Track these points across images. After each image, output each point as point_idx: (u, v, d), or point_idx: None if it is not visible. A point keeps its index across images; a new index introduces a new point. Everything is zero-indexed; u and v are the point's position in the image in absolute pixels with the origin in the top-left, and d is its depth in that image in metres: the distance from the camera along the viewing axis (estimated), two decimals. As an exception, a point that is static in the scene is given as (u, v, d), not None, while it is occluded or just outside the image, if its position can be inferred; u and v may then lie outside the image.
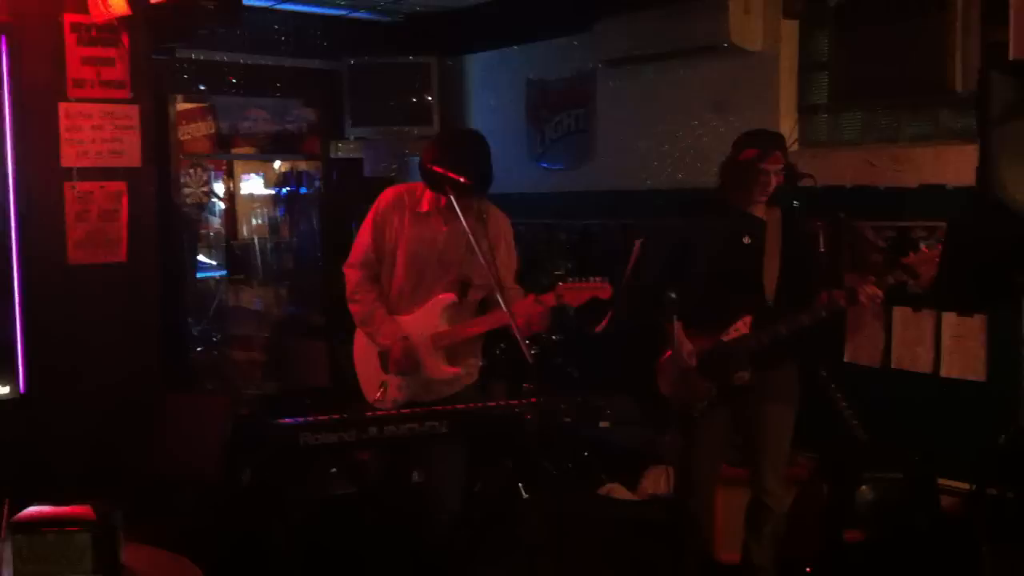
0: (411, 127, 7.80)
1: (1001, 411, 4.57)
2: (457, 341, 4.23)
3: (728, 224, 4.23)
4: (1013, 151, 4.00)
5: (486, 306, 4.26)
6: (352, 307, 4.26)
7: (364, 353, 4.29)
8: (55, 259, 4.75)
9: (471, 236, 3.85)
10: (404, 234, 4.18)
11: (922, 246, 4.16)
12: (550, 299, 4.05)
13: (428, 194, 4.15)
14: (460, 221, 3.88)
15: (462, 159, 3.96)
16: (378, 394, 4.16)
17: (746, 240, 4.20)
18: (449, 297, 4.21)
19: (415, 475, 4.58)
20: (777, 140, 4.27)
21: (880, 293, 4.09)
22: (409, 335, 4.17)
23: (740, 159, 4.18)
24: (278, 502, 4.94)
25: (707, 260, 4.21)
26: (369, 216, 4.24)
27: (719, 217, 4.26)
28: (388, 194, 4.27)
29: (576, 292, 4.08)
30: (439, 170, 3.94)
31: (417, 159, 6.06)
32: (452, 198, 3.88)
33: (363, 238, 4.25)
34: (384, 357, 4.20)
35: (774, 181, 4.15)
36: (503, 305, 3.68)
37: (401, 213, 4.20)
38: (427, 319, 4.21)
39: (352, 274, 4.27)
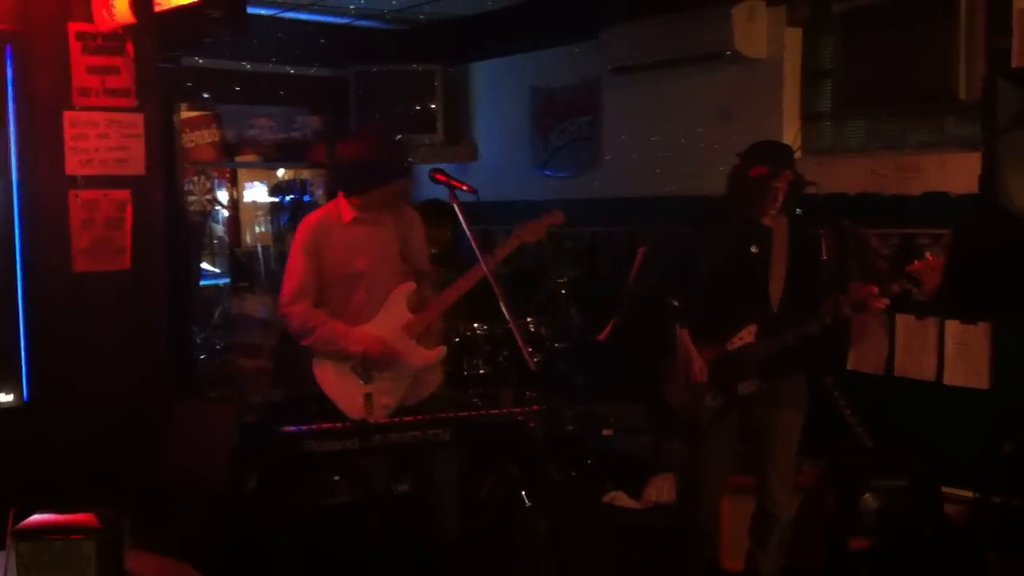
0: (416, 135, 7.81)
1: (1005, 419, 4.57)
2: (430, 322, 4.29)
3: (735, 233, 4.23)
4: (1018, 159, 4.00)
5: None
6: (309, 339, 4.22)
7: (336, 377, 4.24)
8: (60, 267, 4.75)
9: (399, 231, 4.22)
10: (336, 253, 4.21)
11: (927, 254, 4.15)
12: (513, 241, 4.27)
13: (344, 205, 4.24)
14: (383, 221, 4.21)
15: (398, 153, 4.28)
16: (365, 409, 4.12)
17: (753, 249, 4.20)
18: (409, 286, 4.28)
19: (406, 485, 4.59)
20: (786, 155, 4.25)
21: (885, 302, 4.09)
22: (380, 335, 4.19)
23: (751, 175, 4.17)
24: (283, 509, 4.94)
25: (714, 269, 4.21)
26: (297, 249, 4.25)
27: (726, 226, 4.25)
28: (309, 222, 4.31)
29: (532, 227, 4.30)
30: (441, 177, 3.99)
31: (420, 167, 6.10)
32: (384, 203, 4.18)
33: (296, 272, 4.24)
34: (360, 369, 4.16)
35: (783, 196, 4.16)
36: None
37: (330, 233, 4.24)
38: (393, 314, 4.24)
39: (295, 309, 4.22)
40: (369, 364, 4.15)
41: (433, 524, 4.23)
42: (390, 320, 4.23)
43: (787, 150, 4.34)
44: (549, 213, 4.36)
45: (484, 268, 3.93)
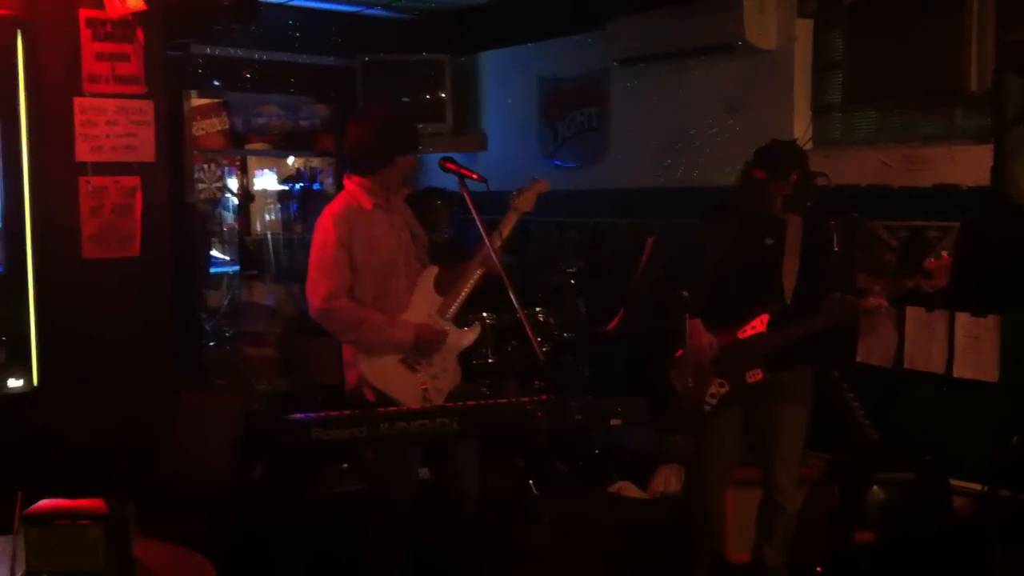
0: (424, 125, 7.80)
1: (1014, 412, 4.56)
2: (459, 304, 4.26)
3: (748, 225, 4.22)
4: (1028, 152, 3.99)
5: None
6: (355, 333, 4.10)
7: (386, 370, 4.14)
8: (69, 254, 4.77)
9: (405, 219, 4.28)
10: (369, 241, 4.15)
11: (944, 253, 4.12)
12: (512, 215, 4.28)
13: (360, 193, 4.19)
14: (396, 208, 4.26)
15: (406, 126, 4.32)
16: (422, 397, 4.07)
17: (768, 241, 4.20)
18: (433, 269, 4.27)
19: (423, 472, 4.58)
20: (792, 161, 4.21)
21: (884, 303, 4.09)
22: (421, 321, 4.17)
23: (754, 176, 4.18)
24: (289, 499, 4.95)
25: (728, 261, 4.21)
26: (331, 243, 4.08)
27: (740, 218, 4.25)
28: (338, 213, 4.15)
29: (525, 198, 4.32)
30: (451, 166, 4.03)
31: (429, 156, 6.11)
32: (392, 184, 4.21)
33: (336, 265, 4.07)
34: (408, 360, 4.13)
35: (780, 203, 4.16)
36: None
37: (359, 223, 4.15)
38: (424, 299, 4.23)
39: (342, 304, 4.07)
40: (419, 351, 4.13)
41: (451, 507, 4.23)
42: (423, 305, 4.21)
43: (795, 155, 4.29)
44: (535, 181, 4.38)
45: (490, 250, 3.96)
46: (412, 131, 4.28)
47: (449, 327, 4.23)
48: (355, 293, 4.11)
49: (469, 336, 4.34)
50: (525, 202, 4.31)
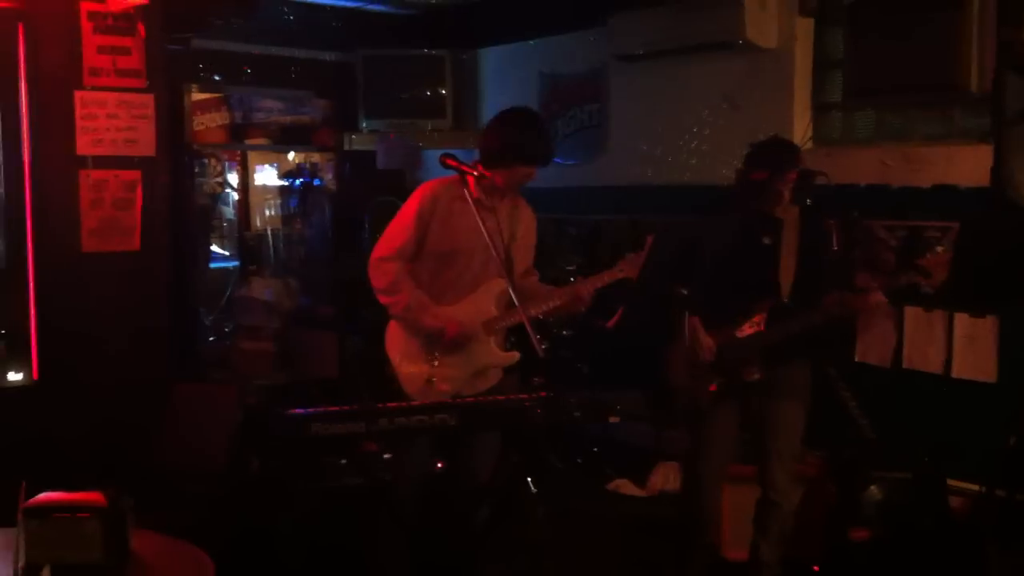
0: (424, 120, 7.81)
1: (1011, 412, 4.56)
2: (508, 325, 4.22)
3: (747, 223, 4.22)
4: (1027, 152, 4.00)
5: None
6: (391, 298, 4.11)
7: (404, 347, 4.16)
8: (69, 247, 4.77)
9: (509, 224, 4.13)
10: (452, 226, 4.12)
11: (938, 248, 4.12)
12: (614, 275, 4.22)
13: (468, 184, 4.08)
14: (499, 209, 4.10)
15: (538, 141, 4.16)
16: (423, 387, 4.09)
17: (766, 240, 4.20)
18: (501, 282, 4.09)
19: (440, 464, 4.58)
20: (789, 155, 4.22)
21: (883, 300, 4.10)
22: (461, 320, 4.12)
23: (752, 178, 4.17)
24: (286, 492, 4.95)
25: (725, 259, 4.20)
26: (412, 210, 4.13)
27: (738, 216, 4.25)
28: (430, 188, 4.19)
29: (632, 262, 4.23)
30: (451, 162, 4.00)
31: (429, 152, 6.11)
32: (496, 185, 4.07)
33: (404, 231, 4.13)
34: (428, 347, 4.11)
35: (787, 195, 4.15)
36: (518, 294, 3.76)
37: (446, 205, 4.13)
38: (479, 304, 4.16)
39: (392, 266, 4.11)
40: (440, 344, 4.10)
41: (464, 491, 4.24)
42: (474, 310, 4.15)
43: (790, 149, 4.29)
44: (644, 249, 4.31)
45: (580, 293, 4.10)
46: (539, 144, 4.16)
47: (484, 340, 4.16)
48: (418, 265, 4.16)
49: (503, 357, 4.23)
50: (631, 267, 4.22)
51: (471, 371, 4.18)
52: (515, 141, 4.09)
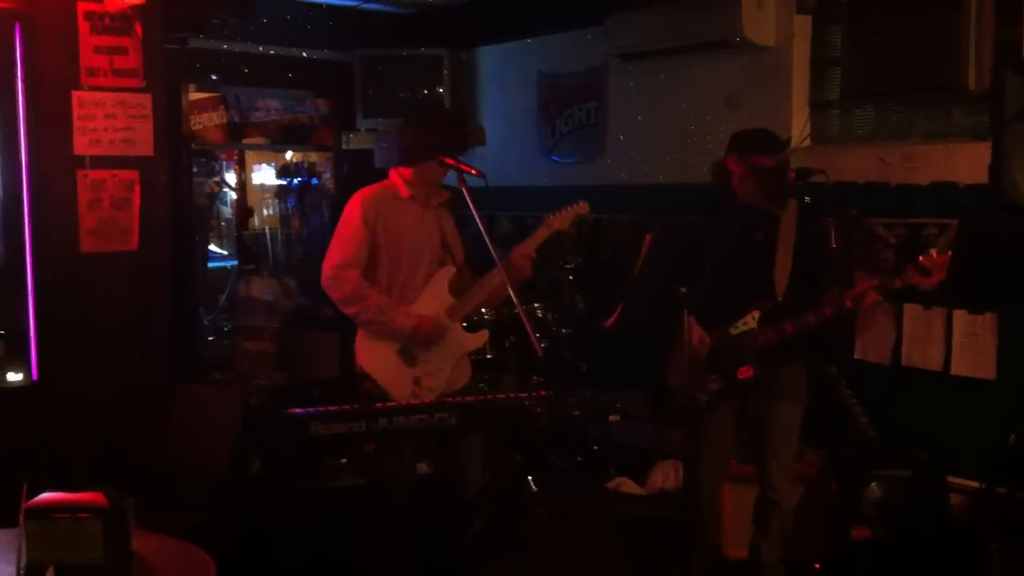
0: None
1: (1011, 410, 4.57)
2: (470, 310, 4.31)
3: (743, 221, 4.22)
4: (1025, 150, 3.99)
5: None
6: (358, 305, 4.13)
7: (383, 360, 4.19)
8: (67, 247, 4.77)
9: (438, 220, 4.26)
10: (396, 226, 4.20)
11: (933, 252, 4.11)
12: (544, 230, 4.30)
13: (400, 183, 4.24)
14: (434, 204, 4.26)
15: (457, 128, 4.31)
16: (415, 391, 4.10)
17: (759, 237, 4.20)
18: (449, 269, 4.28)
19: (424, 467, 4.58)
20: (773, 137, 4.25)
21: (879, 299, 4.10)
22: (427, 315, 4.19)
23: (758, 167, 4.15)
24: (287, 492, 4.94)
25: (720, 257, 4.20)
26: (356, 217, 4.16)
27: (733, 214, 4.25)
28: (369, 194, 4.24)
29: (563, 216, 4.34)
30: (450, 161, 4.06)
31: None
32: (431, 180, 4.22)
33: (353, 239, 4.15)
34: (406, 350, 4.16)
35: (792, 177, 4.17)
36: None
37: (389, 207, 4.21)
38: (435, 297, 4.24)
39: (352, 273, 4.13)
40: (417, 343, 4.15)
41: (452, 499, 4.24)
42: (434, 302, 4.23)
43: (769, 132, 4.31)
44: (576, 204, 4.39)
45: (496, 259, 3.99)
46: (459, 133, 4.28)
47: (453, 326, 4.23)
48: (371, 274, 4.18)
49: (475, 340, 4.35)
50: (561, 221, 4.33)
51: (452, 361, 4.25)
52: (432, 133, 4.19)
